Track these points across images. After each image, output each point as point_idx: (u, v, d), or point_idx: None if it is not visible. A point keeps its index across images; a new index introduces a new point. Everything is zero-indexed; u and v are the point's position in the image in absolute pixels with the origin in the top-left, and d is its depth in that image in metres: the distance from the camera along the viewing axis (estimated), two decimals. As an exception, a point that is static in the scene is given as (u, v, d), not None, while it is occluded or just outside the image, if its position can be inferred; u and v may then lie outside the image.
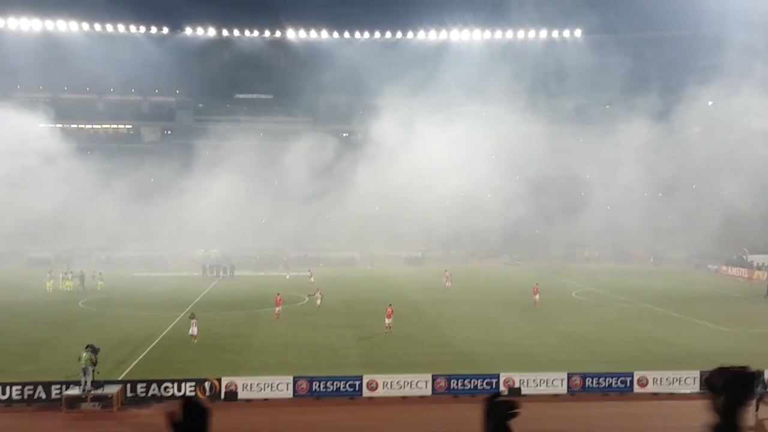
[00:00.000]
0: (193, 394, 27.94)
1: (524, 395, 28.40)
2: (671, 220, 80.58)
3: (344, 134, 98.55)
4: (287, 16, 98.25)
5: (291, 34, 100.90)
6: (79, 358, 27.18)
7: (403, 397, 28.56)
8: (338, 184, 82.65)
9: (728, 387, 3.87)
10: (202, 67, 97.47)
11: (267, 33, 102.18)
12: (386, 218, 78.87)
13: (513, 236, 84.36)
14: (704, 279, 72.17)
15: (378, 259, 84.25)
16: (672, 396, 28.60)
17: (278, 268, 76.24)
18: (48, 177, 77.34)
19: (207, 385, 28.26)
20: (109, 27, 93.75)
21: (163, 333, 38.61)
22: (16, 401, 27.19)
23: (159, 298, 54.17)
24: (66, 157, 79.54)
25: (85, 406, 26.76)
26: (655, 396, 28.86)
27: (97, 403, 26.81)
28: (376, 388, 28.71)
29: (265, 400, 28.12)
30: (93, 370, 27.24)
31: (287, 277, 67.75)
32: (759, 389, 27.25)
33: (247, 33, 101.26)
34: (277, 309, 45.91)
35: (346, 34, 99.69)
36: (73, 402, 26.85)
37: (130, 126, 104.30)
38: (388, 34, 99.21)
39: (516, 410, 3.83)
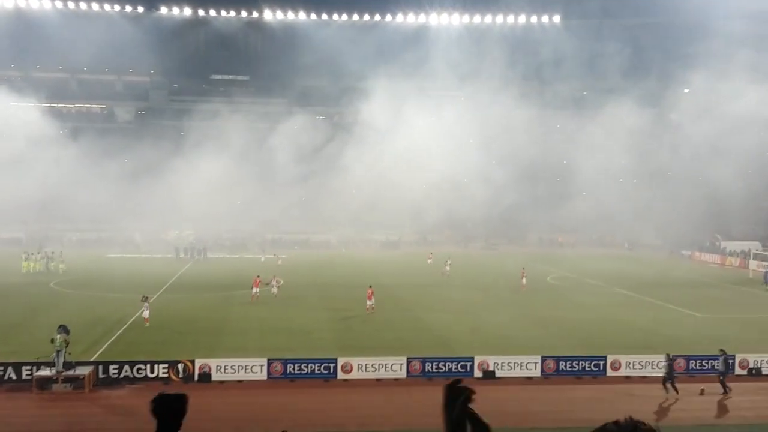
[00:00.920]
0: (166, 376, 27.71)
1: (498, 378, 28.64)
2: (649, 206, 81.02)
3: (320, 117, 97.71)
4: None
5: (268, 14, 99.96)
6: (53, 340, 26.70)
7: (378, 380, 28.55)
8: (315, 167, 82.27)
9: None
10: (178, 47, 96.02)
11: (244, 13, 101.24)
12: (362, 201, 78.48)
13: (489, 221, 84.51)
14: (677, 265, 72.89)
15: (354, 242, 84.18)
16: (644, 379, 28.89)
17: (253, 251, 75.86)
18: (19, 157, 75.82)
19: (180, 366, 27.99)
20: (83, 4, 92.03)
21: (137, 315, 38.15)
22: (-14, 382, 26.76)
23: (132, 280, 53.47)
24: (38, 137, 77.98)
25: (56, 387, 26.43)
26: (628, 379, 29.13)
27: (68, 384, 26.49)
28: (351, 370, 28.67)
29: (239, 382, 27.98)
30: (65, 351, 26.88)
31: (262, 259, 67.33)
32: (721, 368, 27.79)
33: (223, 13, 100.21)
34: (255, 290, 45.63)
35: (324, 16, 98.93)
36: (44, 383, 26.50)
37: (103, 105, 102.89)
38: (366, 17, 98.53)
39: (471, 395, 3.51)
